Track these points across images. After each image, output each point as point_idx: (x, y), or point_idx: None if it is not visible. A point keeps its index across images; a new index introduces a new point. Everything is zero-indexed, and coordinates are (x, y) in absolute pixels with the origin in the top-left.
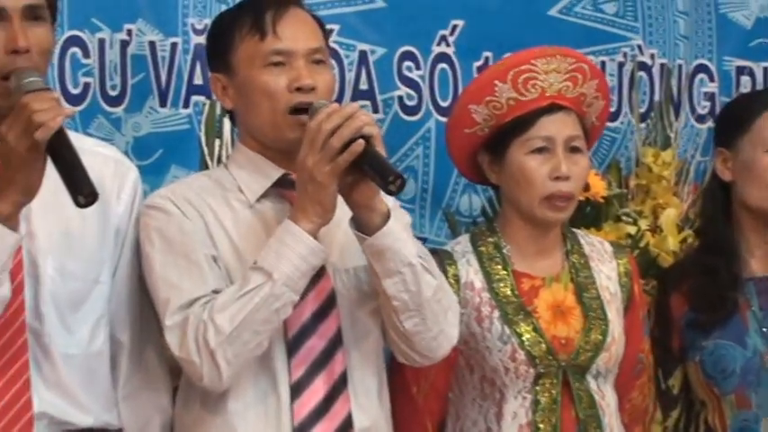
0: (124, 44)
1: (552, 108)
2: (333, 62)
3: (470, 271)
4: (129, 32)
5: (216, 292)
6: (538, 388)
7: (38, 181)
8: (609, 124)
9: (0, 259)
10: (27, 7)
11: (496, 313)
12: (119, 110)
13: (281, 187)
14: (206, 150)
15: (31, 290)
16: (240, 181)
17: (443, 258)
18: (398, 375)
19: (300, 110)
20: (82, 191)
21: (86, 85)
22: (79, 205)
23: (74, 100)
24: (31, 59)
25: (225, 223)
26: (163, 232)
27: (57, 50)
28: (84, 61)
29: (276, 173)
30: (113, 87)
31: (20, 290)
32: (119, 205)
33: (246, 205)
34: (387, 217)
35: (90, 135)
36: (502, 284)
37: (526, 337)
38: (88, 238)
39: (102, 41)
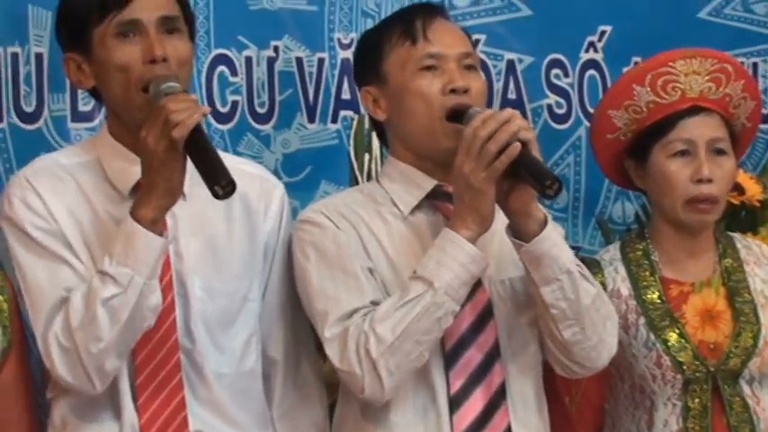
0: (271, 61)
1: (693, 110)
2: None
3: (617, 279)
4: (276, 49)
5: (374, 303)
6: (688, 394)
7: (179, 182)
8: (762, 126)
9: (148, 264)
10: (163, 19)
11: (642, 320)
12: (267, 127)
13: (435, 199)
14: (355, 165)
15: (181, 309)
16: (393, 194)
17: (590, 267)
18: (550, 386)
19: (455, 117)
20: (219, 181)
21: (234, 104)
22: (217, 196)
23: (222, 118)
24: (169, 68)
25: (379, 236)
26: (317, 246)
27: (204, 69)
28: (232, 79)
29: (429, 184)
30: (261, 105)
31: (171, 309)
32: (266, 222)
33: (400, 218)
34: (543, 223)
35: (239, 153)
36: (649, 291)
37: (671, 342)
38: (236, 256)
39: (249, 59)
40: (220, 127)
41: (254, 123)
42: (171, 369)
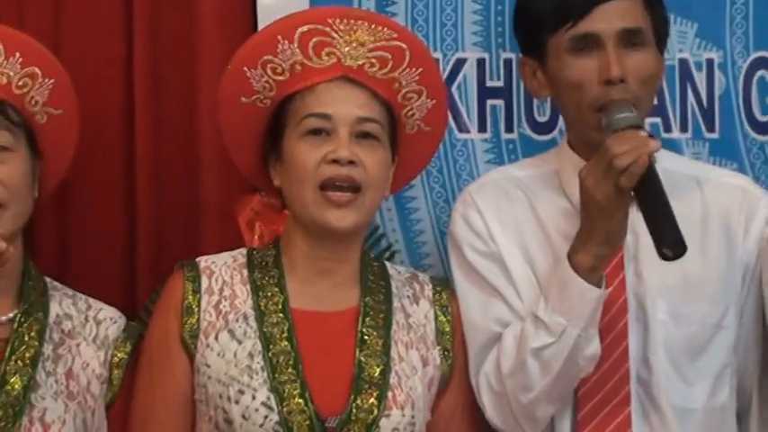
0: None
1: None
2: None
3: None
4: None
5: None
6: None
7: (621, 231)
8: None
9: (582, 315)
10: (623, 32)
11: None
12: None
13: None
14: None
15: (637, 336)
16: None
17: None
18: None
19: None
20: (667, 242)
21: None
22: (664, 258)
23: (761, 129)
24: (626, 90)
25: None
26: None
27: (741, 74)
28: None
29: None
30: None
31: (623, 335)
32: (747, 240)
33: None
34: None
35: None
36: None
37: None
38: (709, 278)
39: None
40: (758, 137)
41: None
42: (620, 402)
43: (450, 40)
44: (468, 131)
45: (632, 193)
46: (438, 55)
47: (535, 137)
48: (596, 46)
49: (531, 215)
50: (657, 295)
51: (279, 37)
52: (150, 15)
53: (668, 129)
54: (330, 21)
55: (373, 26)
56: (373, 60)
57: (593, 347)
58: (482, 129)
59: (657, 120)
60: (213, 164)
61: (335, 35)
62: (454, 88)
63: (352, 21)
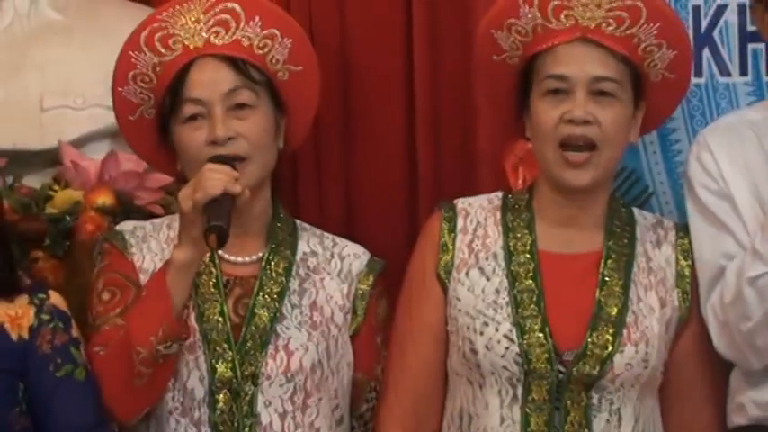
0: None
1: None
2: None
3: None
4: None
5: None
6: None
7: None
8: None
9: None
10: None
11: None
12: None
13: None
14: None
15: None
16: None
17: None
18: None
19: None
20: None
21: None
22: None
23: None
24: None
25: None
26: None
27: None
28: None
29: None
30: None
31: None
32: None
33: None
34: None
35: None
36: None
37: None
38: None
39: None
40: None
41: None
42: None
43: None
44: (729, 75)
45: None
46: (699, 2)
47: None
48: None
49: (762, 155)
50: None
51: (520, 2)
52: None
53: None
54: None
55: None
56: (610, 20)
57: None
58: (743, 72)
59: None
60: (488, 116)
61: None
62: (716, 33)
63: None
